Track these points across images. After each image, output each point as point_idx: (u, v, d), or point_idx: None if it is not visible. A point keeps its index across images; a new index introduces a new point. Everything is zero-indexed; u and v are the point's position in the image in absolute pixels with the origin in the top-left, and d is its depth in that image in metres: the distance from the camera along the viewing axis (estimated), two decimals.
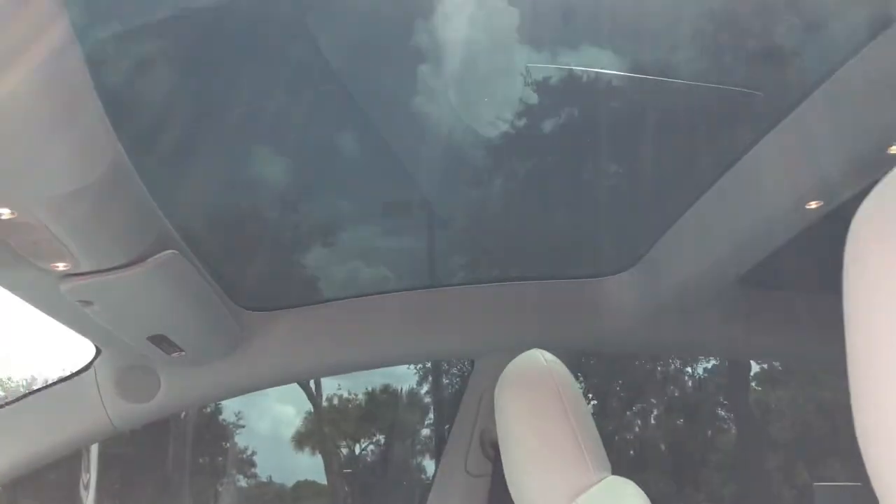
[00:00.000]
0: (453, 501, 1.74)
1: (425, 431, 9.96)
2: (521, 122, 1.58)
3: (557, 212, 1.77)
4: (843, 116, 1.10)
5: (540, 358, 1.34)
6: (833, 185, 1.15)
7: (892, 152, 1.08)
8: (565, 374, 1.32)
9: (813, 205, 1.24)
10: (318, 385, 9.80)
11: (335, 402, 10.48)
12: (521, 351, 1.38)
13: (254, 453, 10.48)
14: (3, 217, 0.86)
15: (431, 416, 9.71)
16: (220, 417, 9.77)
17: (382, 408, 10.38)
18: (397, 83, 1.44)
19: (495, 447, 1.61)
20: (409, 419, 10.26)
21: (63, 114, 0.75)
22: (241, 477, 10.80)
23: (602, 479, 1.24)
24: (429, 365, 9.02)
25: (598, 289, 1.72)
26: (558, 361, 1.33)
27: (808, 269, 1.60)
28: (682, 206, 1.48)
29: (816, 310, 1.39)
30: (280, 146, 1.49)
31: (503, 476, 1.38)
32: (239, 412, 9.97)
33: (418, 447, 9.99)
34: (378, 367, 1.95)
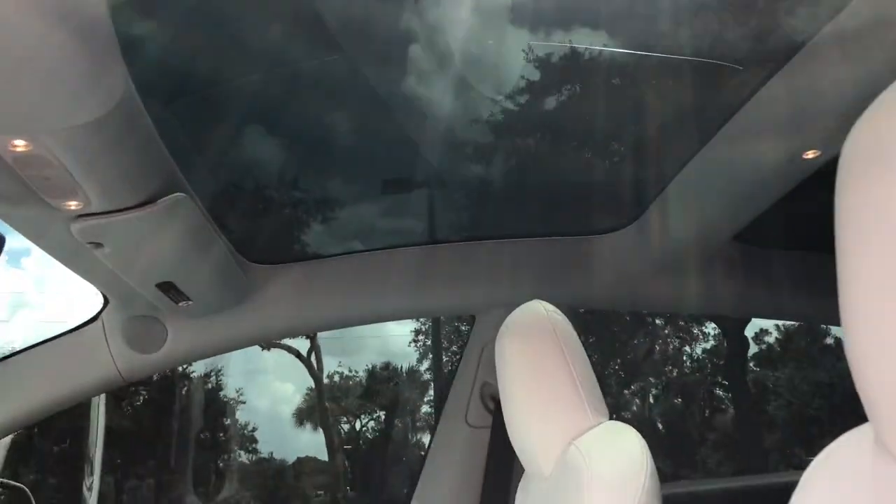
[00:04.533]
0: (454, 451, 1.79)
1: (425, 409, 10.07)
2: (522, 86, 1.61)
3: (557, 171, 1.81)
4: (837, 65, 1.13)
5: (540, 308, 1.38)
6: (830, 132, 1.17)
7: None
8: (565, 322, 1.35)
9: (810, 154, 1.26)
10: (319, 361, 9.88)
11: (336, 379, 10.58)
12: (520, 305, 1.42)
13: (254, 429, 10.58)
14: (18, 149, 0.89)
15: (430, 393, 9.82)
16: (222, 394, 9.86)
17: (382, 384, 10.47)
18: (399, 46, 1.47)
19: (495, 400, 1.66)
20: (409, 397, 10.35)
21: (77, 43, 0.78)
22: (242, 453, 10.91)
23: (600, 423, 1.28)
24: (429, 342, 9.09)
25: (596, 246, 1.76)
26: (558, 311, 1.36)
27: (803, 227, 1.64)
28: (677, 165, 1.51)
29: (811, 267, 1.43)
30: (287, 103, 1.52)
31: (502, 427, 1.42)
32: (240, 388, 10.05)
33: (418, 424, 10.09)
34: (380, 321, 1.99)
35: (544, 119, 1.75)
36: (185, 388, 9.36)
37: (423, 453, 1.82)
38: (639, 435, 1.23)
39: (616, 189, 1.82)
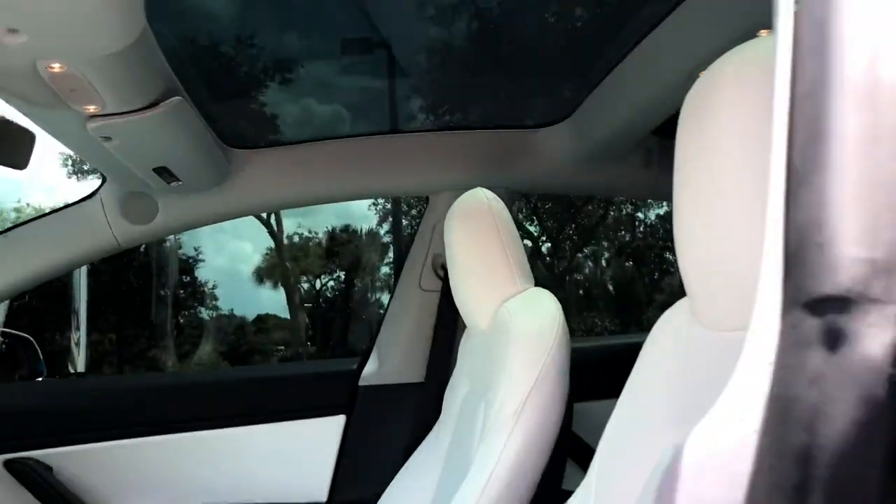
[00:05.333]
0: (409, 311, 2.06)
1: (384, 269, 10.39)
2: None
3: (505, 66, 2.00)
4: None
5: (481, 195, 1.63)
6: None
7: None
8: (502, 207, 1.61)
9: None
10: (279, 223, 10.05)
11: (296, 239, 10.80)
12: (469, 189, 1.66)
13: (214, 287, 10.81)
14: (55, 69, 1.09)
15: (390, 254, 10.11)
16: (181, 252, 10.01)
17: (342, 246, 10.70)
18: None
19: (444, 269, 1.93)
20: (368, 257, 10.61)
21: None
22: (202, 310, 11.19)
23: (526, 290, 1.56)
24: (389, 205, 9.30)
25: (536, 137, 1.99)
26: (496, 198, 1.62)
27: None
28: (608, 66, 1.72)
29: None
30: None
31: (449, 292, 1.71)
32: (198, 247, 10.19)
33: (377, 284, 10.41)
34: (346, 200, 2.22)
35: (496, 17, 1.92)
36: (143, 246, 9.51)
37: (381, 311, 2.08)
38: (555, 299, 1.51)
39: (555, 85, 2.04)
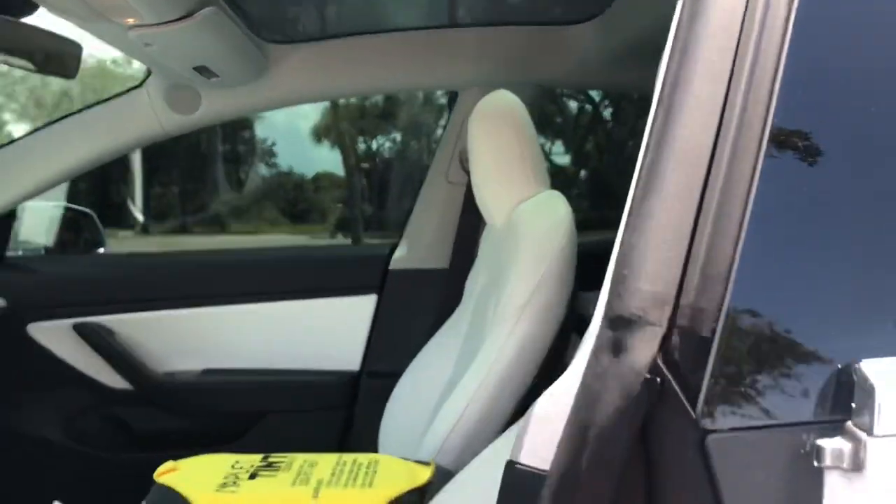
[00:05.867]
0: (436, 202, 2.17)
1: (438, 132, 10.39)
2: None
3: None
4: None
5: (506, 97, 1.68)
6: None
7: None
8: (523, 110, 1.67)
9: None
10: None
11: (353, 99, 10.81)
12: (498, 86, 1.72)
13: (274, 144, 10.97)
14: None
15: (443, 120, 10.08)
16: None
17: (399, 108, 10.68)
18: None
19: None
20: (422, 123, 10.59)
21: None
22: (262, 166, 11.43)
23: (540, 192, 1.65)
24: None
25: (569, 34, 2.00)
26: (518, 100, 1.67)
27: None
28: None
29: None
30: None
31: None
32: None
33: (433, 147, 10.43)
34: (377, 93, 2.29)
35: None
36: None
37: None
38: (566, 202, 1.59)
39: None
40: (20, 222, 2.14)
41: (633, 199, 0.51)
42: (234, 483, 1.25)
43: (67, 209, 2.34)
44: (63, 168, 1.97)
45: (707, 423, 0.52)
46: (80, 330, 2.06)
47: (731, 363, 0.50)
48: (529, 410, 0.61)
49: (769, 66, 0.53)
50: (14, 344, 2.01)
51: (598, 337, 0.51)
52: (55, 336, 2.05)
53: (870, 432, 0.51)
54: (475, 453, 1.46)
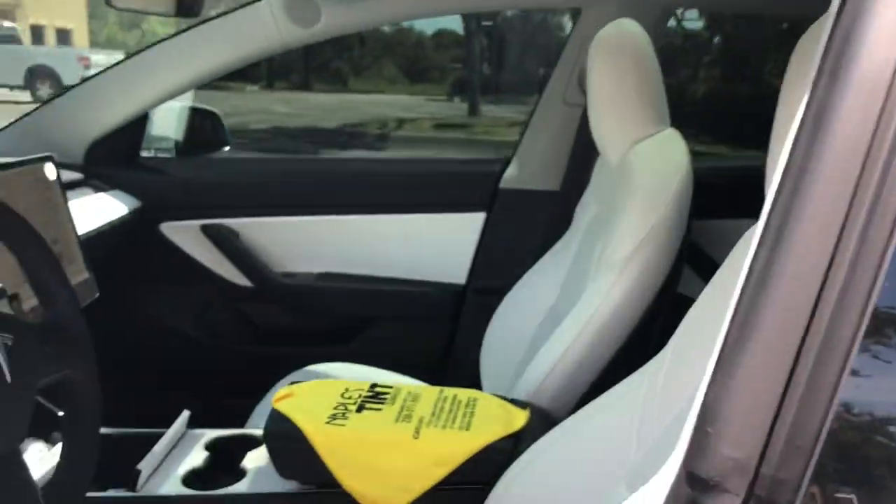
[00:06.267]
0: (551, 123, 2.13)
1: None
2: None
3: None
4: None
5: (629, 27, 1.61)
6: None
7: None
8: (646, 43, 1.59)
9: None
10: None
11: None
12: (622, 5, 1.63)
13: None
14: None
15: None
16: None
17: None
18: None
19: None
20: None
21: None
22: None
23: (659, 132, 1.59)
24: None
25: None
26: (642, 32, 1.60)
27: None
28: None
29: None
30: None
31: None
32: None
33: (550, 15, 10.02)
34: (497, 9, 2.22)
35: None
36: None
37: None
38: (684, 144, 1.54)
39: None
40: (151, 123, 2.25)
41: (722, 349, 0.50)
42: (343, 416, 1.36)
43: (194, 109, 2.43)
44: (189, 77, 2.04)
45: None
46: (207, 231, 2.20)
47: None
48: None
49: None
50: (149, 241, 2.17)
51: (675, 488, 0.51)
52: (185, 235, 2.20)
53: None
54: (571, 396, 1.52)
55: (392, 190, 2.25)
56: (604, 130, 1.64)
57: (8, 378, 0.91)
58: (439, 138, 10.31)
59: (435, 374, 1.98)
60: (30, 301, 1.13)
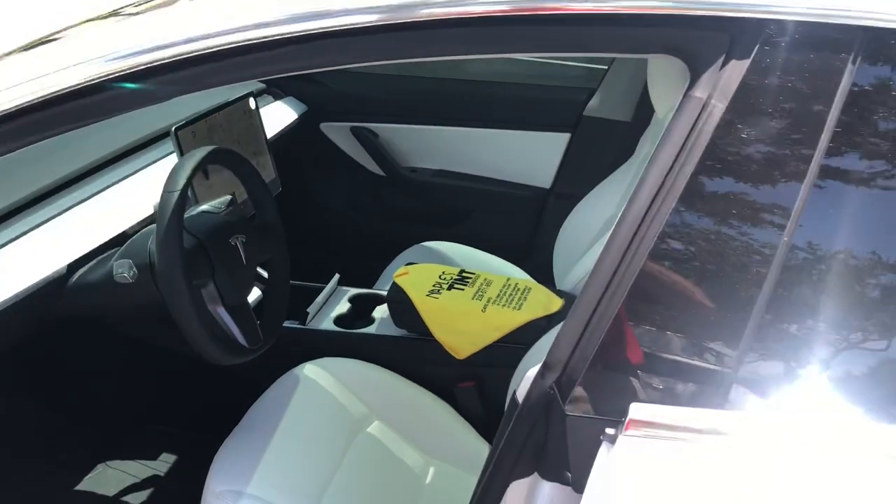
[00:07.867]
0: (630, 63, 2.58)
1: None
2: None
3: None
4: None
5: None
6: None
7: None
8: None
9: None
10: None
11: None
12: None
13: None
14: None
15: None
16: None
17: None
18: None
19: None
20: None
21: None
22: None
23: None
24: None
25: None
26: None
27: None
28: None
29: None
30: None
31: None
32: None
33: None
34: None
35: None
36: None
37: None
38: None
39: None
40: None
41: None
42: (438, 291, 2.02)
43: None
44: None
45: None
46: (354, 131, 2.87)
47: None
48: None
49: None
50: (312, 137, 2.86)
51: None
52: (338, 134, 2.88)
53: None
54: None
55: (497, 109, 2.80)
56: (651, 86, 2.10)
57: (244, 260, 1.62)
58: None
59: (518, 257, 2.58)
60: (242, 197, 1.80)
